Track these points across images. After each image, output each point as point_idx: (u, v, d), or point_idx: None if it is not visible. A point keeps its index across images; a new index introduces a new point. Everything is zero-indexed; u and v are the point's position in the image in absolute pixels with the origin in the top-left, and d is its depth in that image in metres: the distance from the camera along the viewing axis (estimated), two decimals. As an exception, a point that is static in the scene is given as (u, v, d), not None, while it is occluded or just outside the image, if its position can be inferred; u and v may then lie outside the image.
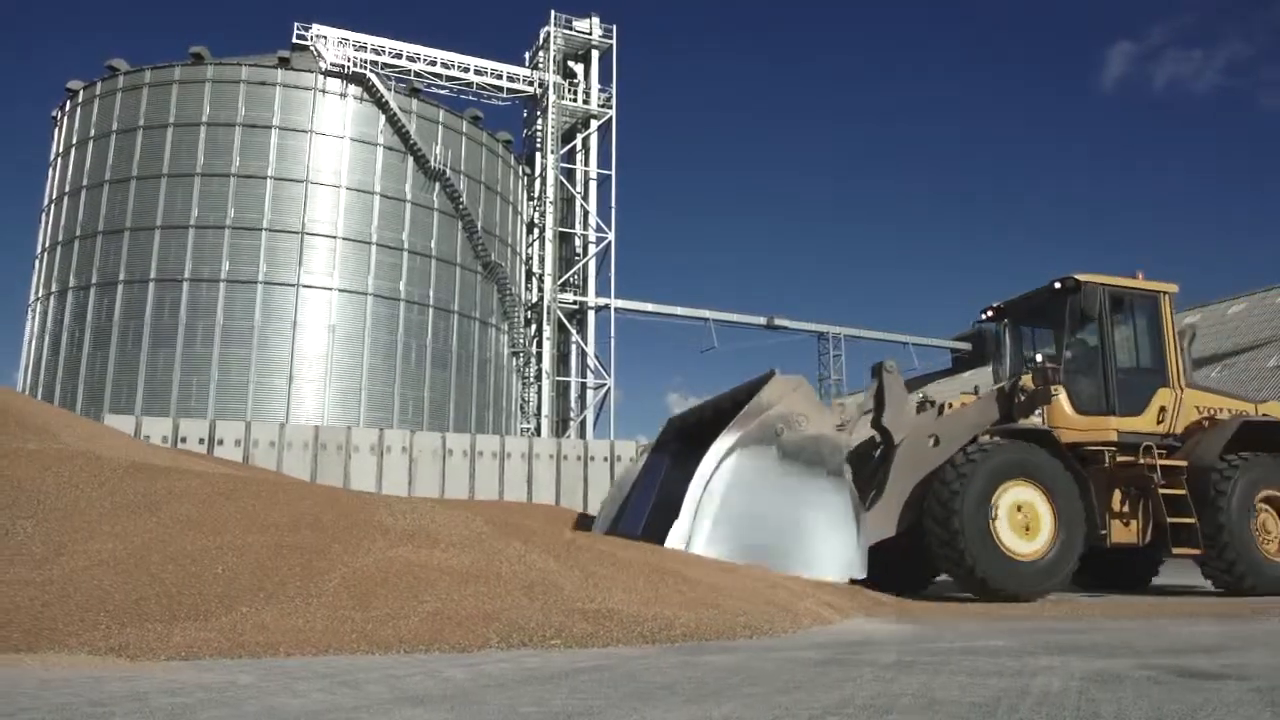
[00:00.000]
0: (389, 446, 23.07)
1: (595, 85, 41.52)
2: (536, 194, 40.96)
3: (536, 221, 40.85)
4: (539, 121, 40.71)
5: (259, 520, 5.84)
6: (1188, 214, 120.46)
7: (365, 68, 34.27)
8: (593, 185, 41.61)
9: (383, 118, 33.98)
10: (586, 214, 41.29)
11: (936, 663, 4.02)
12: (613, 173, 41.31)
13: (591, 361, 40.14)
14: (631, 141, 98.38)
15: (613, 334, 40.20)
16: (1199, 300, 40.44)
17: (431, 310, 34.27)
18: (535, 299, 40.19)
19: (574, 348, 40.68)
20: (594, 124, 41.55)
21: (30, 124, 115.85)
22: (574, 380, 40.34)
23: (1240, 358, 32.87)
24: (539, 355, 39.07)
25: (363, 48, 35.11)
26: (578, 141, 41.74)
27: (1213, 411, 9.97)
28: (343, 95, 33.73)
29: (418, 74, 36.88)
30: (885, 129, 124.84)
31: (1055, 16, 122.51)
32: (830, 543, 8.27)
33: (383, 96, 33.82)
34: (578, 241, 41.22)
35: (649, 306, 40.85)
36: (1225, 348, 34.29)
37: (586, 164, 41.65)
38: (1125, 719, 2.76)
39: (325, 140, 32.84)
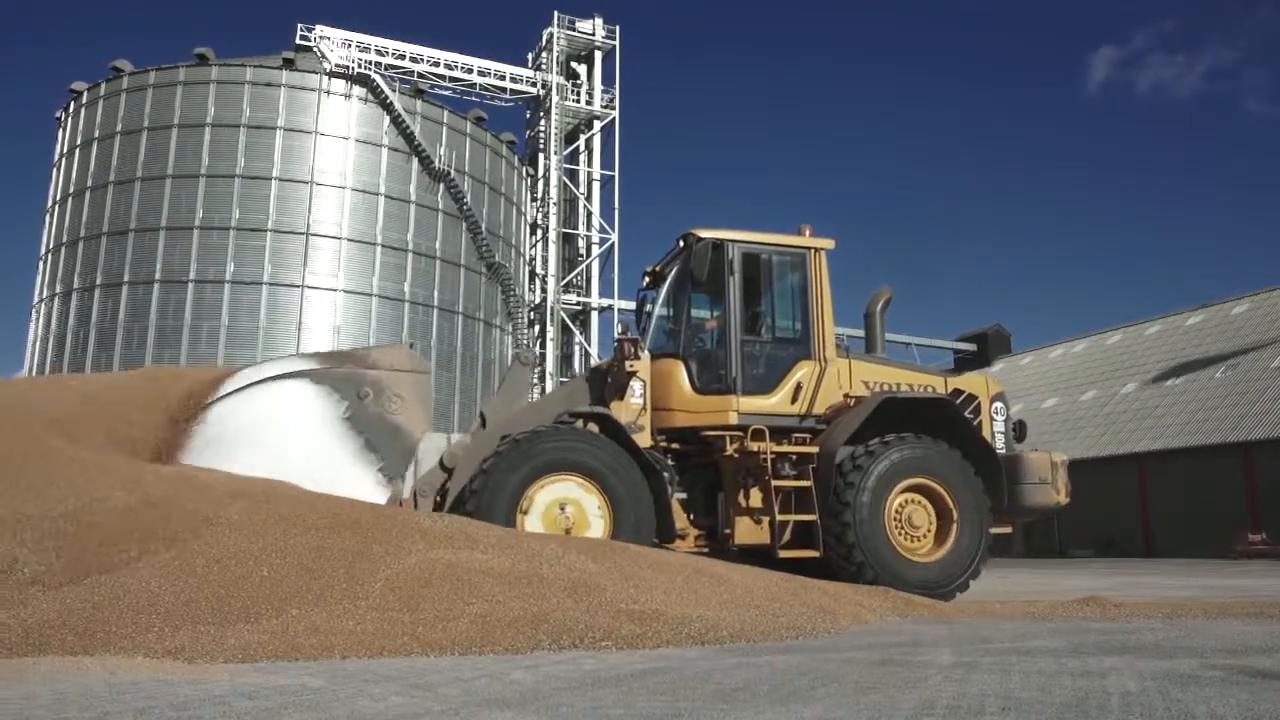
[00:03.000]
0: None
1: (598, 86, 41.55)
2: (540, 195, 40.96)
3: (540, 222, 40.85)
4: (542, 122, 40.73)
5: (298, 522, 5.80)
6: (1187, 215, 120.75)
7: (369, 69, 34.26)
8: (596, 186, 41.63)
9: (387, 119, 33.98)
10: (590, 215, 41.30)
11: (999, 664, 3.99)
12: (616, 174, 41.38)
13: (595, 362, 40.12)
14: (634, 142, 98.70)
15: (616, 335, 40.14)
16: (1202, 301, 40.58)
17: (436, 311, 34.26)
18: (538, 300, 40.18)
19: (577, 349, 40.69)
20: (597, 125, 41.57)
21: (34, 125, 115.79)
22: (578, 381, 40.24)
23: (1244, 358, 32.93)
24: (542, 357, 39.02)
25: (366, 49, 35.10)
26: (581, 142, 41.76)
27: (882, 387, 8.61)
28: (347, 96, 33.72)
29: (421, 75, 36.88)
30: (884, 131, 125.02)
31: (1038, 21, 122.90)
32: None
33: (387, 98, 33.81)
34: (581, 242, 41.22)
35: (652, 307, 40.80)
36: (1229, 348, 34.36)
37: (590, 165, 41.67)
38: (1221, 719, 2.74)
39: (330, 141, 32.83)
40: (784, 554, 7.93)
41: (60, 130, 35.53)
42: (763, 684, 3.44)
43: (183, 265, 31.00)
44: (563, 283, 40.09)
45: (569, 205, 41.54)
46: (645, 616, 5.15)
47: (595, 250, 40.86)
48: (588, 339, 40.09)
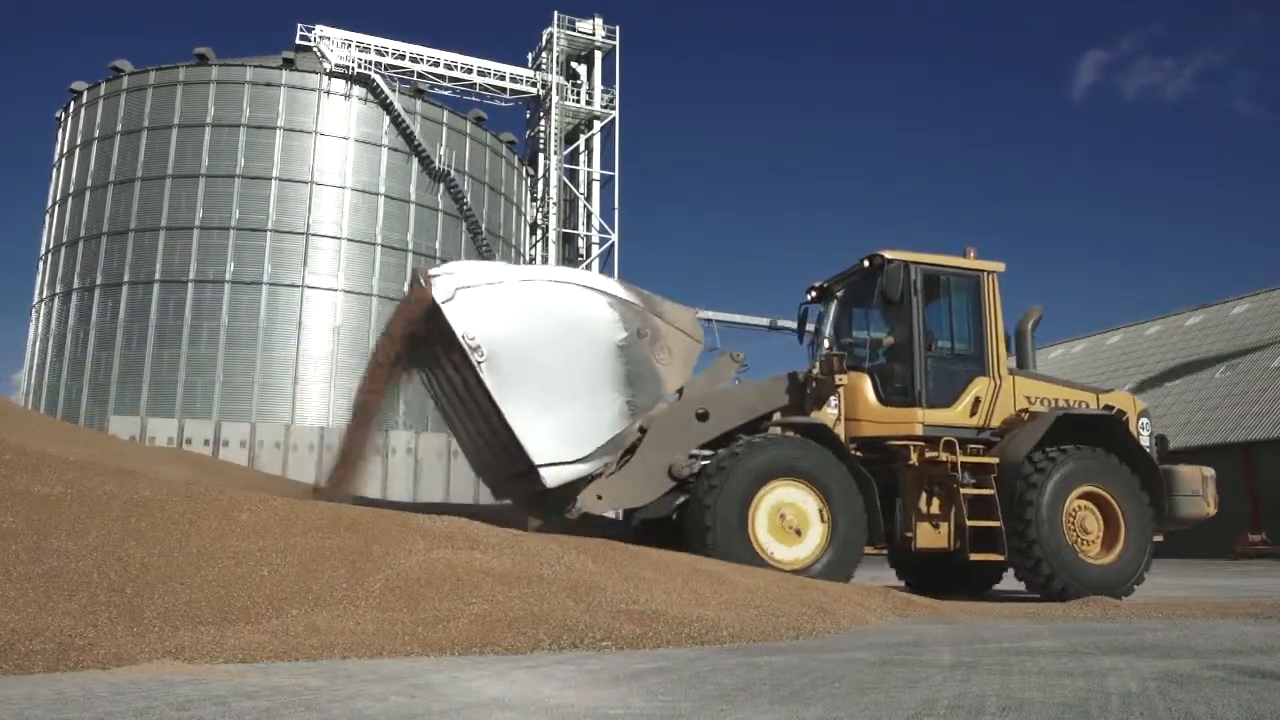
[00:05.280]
0: (394, 448, 23.03)
1: (598, 86, 41.55)
2: (540, 195, 40.96)
3: (540, 223, 40.85)
4: (542, 122, 40.73)
5: (299, 522, 5.81)
6: (1186, 216, 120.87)
7: (369, 69, 34.26)
8: (596, 186, 41.63)
9: (387, 119, 33.98)
10: (590, 215, 41.30)
11: (1000, 664, 4.00)
12: (616, 174, 41.39)
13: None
14: (634, 142, 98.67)
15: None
16: (1202, 301, 40.58)
17: (436, 311, 34.25)
18: (539, 300, 40.12)
19: (577, 349, 40.67)
20: (597, 125, 41.57)
21: (34, 125, 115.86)
22: (578, 381, 40.26)
23: (1245, 358, 32.92)
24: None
25: (366, 49, 35.10)
26: (581, 143, 41.76)
27: (1045, 403, 9.13)
28: (347, 96, 33.72)
29: (421, 75, 36.87)
30: (885, 131, 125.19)
31: (1028, 22, 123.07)
32: (556, 431, 7.40)
33: (387, 97, 33.81)
34: (581, 243, 41.23)
35: (652, 307, 40.80)
36: (1230, 348, 34.34)
37: (589, 165, 41.67)
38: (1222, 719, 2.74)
39: (330, 141, 32.83)
40: (974, 557, 8.42)
41: (60, 130, 35.52)
42: (763, 684, 3.44)
43: (183, 265, 30.99)
44: (563, 283, 40.10)
45: (569, 205, 41.53)
46: (645, 617, 5.15)
47: (595, 250, 40.86)
48: (588, 339, 40.13)
